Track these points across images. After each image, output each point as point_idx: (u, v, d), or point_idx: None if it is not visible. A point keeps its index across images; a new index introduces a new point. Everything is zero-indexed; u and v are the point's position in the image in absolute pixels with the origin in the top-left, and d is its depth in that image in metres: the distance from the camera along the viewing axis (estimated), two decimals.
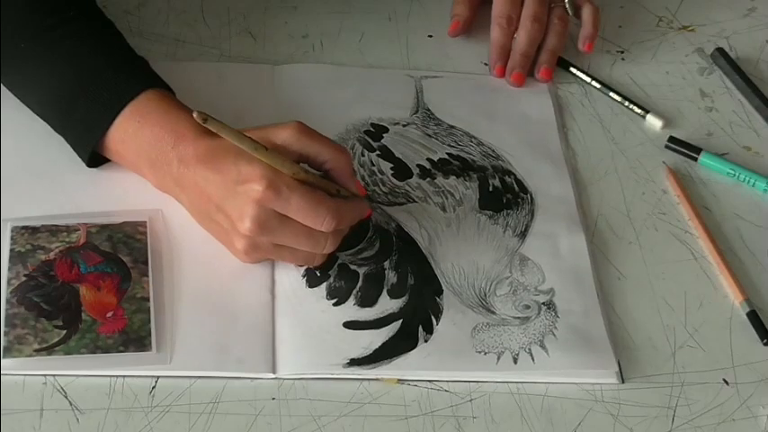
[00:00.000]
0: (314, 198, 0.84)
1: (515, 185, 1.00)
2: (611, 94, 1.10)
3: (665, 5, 1.22)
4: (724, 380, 0.88)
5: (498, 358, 0.87)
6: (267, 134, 0.86)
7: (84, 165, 0.93)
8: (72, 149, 0.92)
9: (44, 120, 0.93)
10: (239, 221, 0.84)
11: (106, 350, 0.82)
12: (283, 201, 0.83)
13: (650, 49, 1.17)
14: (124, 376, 0.82)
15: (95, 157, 0.92)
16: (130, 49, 0.94)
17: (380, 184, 0.98)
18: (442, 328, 0.88)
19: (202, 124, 0.80)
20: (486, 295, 0.91)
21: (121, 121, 0.89)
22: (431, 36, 1.14)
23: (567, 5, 1.12)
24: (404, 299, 0.90)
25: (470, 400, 0.85)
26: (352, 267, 0.91)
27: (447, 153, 1.02)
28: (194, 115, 0.80)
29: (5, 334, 0.82)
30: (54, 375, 0.81)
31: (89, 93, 0.90)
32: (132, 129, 0.89)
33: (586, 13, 1.13)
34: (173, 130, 0.87)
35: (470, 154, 1.02)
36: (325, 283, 0.90)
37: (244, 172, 0.83)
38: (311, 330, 0.86)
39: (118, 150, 0.91)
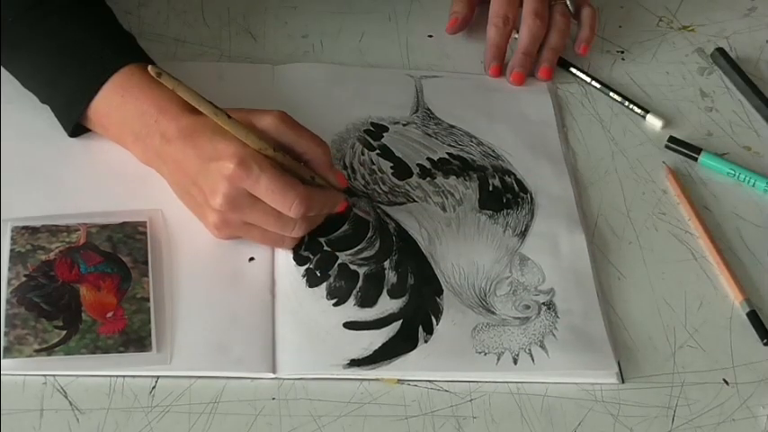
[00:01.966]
0: (284, 182, 0.85)
1: (515, 185, 1.00)
2: (611, 94, 1.10)
3: (665, 5, 1.22)
4: (724, 380, 0.88)
5: (498, 359, 0.87)
6: (249, 117, 0.87)
7: (83, 165, 0.93)
8: (61, 130, 0.94)
9: (32, 92, 0.95)
10: (211, 197, 0.86)
11: (106, 350, 0.82)
12: (253, 181, 0.84)
13: (650, 49, 1.17)
14: (124, 376, 0.82)
15: (77, 128, 0.94)
16: (117, 25, 0.95)
17: (380, 183, 0.98)
18: (442, 328, 0.88)
19: (157, 78, 0.82)
20: (486, 295, 0.91)
21: (105, 94, 0.90)
22: (431, 36, 1.14)
23: (569, 3, 1.12)
24: (404, 299, 0.90)
25: (470, 400, 0.85)
26: (353, 267, 0.91)
27: (447, 153, 1.02)
28: (149, 68, 0.82)
29: (5, 334, 0.82)
30: (54, 375, 0.81)
31: (74, 64, 0.91)
32: (116, 102, 0.90)
33: (585, 15, 1.12)
34: (156, 104, 0.89)
35: (470, 154, 1.02)
36: (325, 283, 0.90)
37: (219, 149, 0.85)
38: (311, 330, 0.86)
39: (102, 123, 0.92)
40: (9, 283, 0.85)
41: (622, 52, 1.16)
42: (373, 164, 0.99)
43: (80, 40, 0.92)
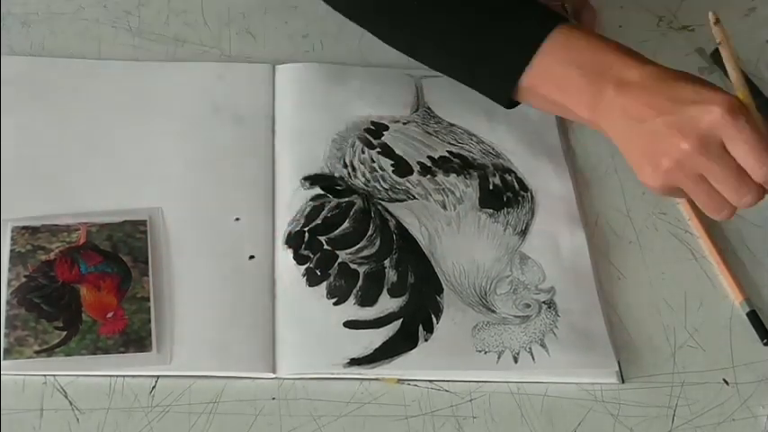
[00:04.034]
0: (766, 140, 0.82)
1: (516, 184, 1.00)
2: None
3: (665, 5, 1.22)
4: (724, 380, 0.88)
5: (499, 357, 0.87)
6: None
7: (84, 165, 0.93)
8: None
9: (453, 76, 0.96)
10: (679, 136, 0.82)
11: (106, 351, 0.82)
12: (737, 129, 0.81)
13: (650, 49, 1.16)
14: (124, 376, 0.82)
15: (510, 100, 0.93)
16: None
17: (381, 181, 0.98)
18: (442, 327, 0.88)
19: (714, 24, 0.86)
20: (486, 294, 0.91)
21: (544, 54, 0.88)
22: None
23: (567, 4, 1.12)
24: (404, 298, 0.89)
25: (470, 400, 0.85)
26: (353, 266, 0.91)
27: (447, 151, 1.01)
28: (709, 14, 0.84)
29: (6, 335, 0.82)
30: (54, 375, 0.81)
31: (502, 33, 0.90)
32: (558, 58, 0.88)
33: (586, 16, 1.12)
34: (612, 52, 0.87)
35: (471, 152, 1.02)
36: (325, 283, 0.90)
37: (703, 93, 0.83)
38: (311, 330, 0.86)
39: (535, 85, 0.90)
40: (9, 284, 0.85)
41: None
42: (373, 162, 0.99)
43: (503, 8, 0.91)
